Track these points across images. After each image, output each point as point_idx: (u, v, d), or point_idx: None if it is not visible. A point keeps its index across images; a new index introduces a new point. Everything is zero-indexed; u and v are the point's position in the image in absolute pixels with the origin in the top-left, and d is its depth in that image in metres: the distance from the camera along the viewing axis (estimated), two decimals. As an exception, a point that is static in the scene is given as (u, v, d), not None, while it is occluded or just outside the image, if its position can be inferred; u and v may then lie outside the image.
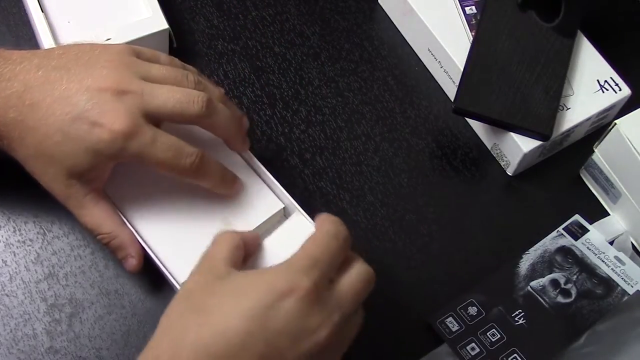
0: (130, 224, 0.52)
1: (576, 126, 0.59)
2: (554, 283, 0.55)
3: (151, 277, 0.55)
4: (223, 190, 0.52)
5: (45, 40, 0.58)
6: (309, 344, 0.41)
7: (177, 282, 0.50)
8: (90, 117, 0.46)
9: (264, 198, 0.53)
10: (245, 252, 0.47)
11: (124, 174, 0.52)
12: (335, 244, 0.44)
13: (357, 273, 0.45)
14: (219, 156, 0.53)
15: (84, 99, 0.47)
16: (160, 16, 0.60)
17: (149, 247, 0.51)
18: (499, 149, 0.60)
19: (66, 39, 0.59)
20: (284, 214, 0.54)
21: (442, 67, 0.62)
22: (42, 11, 0.60)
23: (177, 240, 0.52)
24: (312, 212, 0.58)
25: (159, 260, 0.51)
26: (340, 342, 0.44)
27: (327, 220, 0.46)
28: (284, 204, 0.53)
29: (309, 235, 0.46)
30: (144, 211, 0.53)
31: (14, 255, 0.56)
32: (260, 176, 0.54)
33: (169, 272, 0.50)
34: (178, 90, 0.48)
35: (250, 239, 0.48)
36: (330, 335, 0.41)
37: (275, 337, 0.40)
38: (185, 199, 0.53)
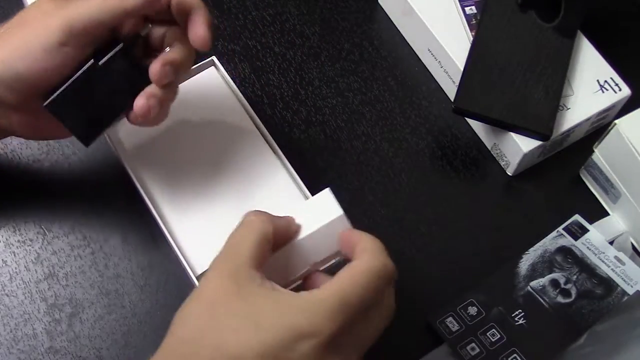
0: (155, 210, 0.53)
1: (576, 126, 0.59)
2: (554, 283, 0.55)
3: (151, 277, 0.55)
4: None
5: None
6: None
7: (193, 274, 0.50)
8: None
9: (290, 191, 0.54)
10: (276, 241, 0.43)
11: (155, 160, 0.55)
12: (375, 285, 0.40)
13: (386, 313, 0.41)
14: (247, 144, 0.55)
15: None
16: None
17: (171, 234, 0.52)
18: (499, 149, 0.60)
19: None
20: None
21: (442, 67, 0.62)
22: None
23: (200, 233, 0.52)
24: (312, 212, 0.58)
25: (178, 250, 0.52)
26: None
27: (372, 249, 0.41)
28: (306, 197, 0.54)
29: (334, 220, 0.43)
30: (171, 198, 0.54)
31: (14, 255, 0.56)
32: (286, 170, 0.55)
33: (187, 262, 0.51)
34: None
35: (282, 226, 0.44)
36: None
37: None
38: (215, 190, 0.54)
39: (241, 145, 0.56)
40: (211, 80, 0.58)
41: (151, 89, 0.48)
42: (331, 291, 0.39)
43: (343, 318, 0.39)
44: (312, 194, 0.59)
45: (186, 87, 0.57)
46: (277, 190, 0.54)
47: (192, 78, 0.58)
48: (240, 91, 0.63)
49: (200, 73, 0.58)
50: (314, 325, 0.38)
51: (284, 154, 0.60)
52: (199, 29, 0.47)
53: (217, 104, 0.57)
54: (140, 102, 0.48)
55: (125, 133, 0.56)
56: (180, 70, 0.49)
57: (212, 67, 0.59)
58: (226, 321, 0.39)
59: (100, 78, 0.47)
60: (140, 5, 0.46)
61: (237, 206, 0.53)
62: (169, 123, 0.54)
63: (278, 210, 0.47)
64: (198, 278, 0.50)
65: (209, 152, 0.56)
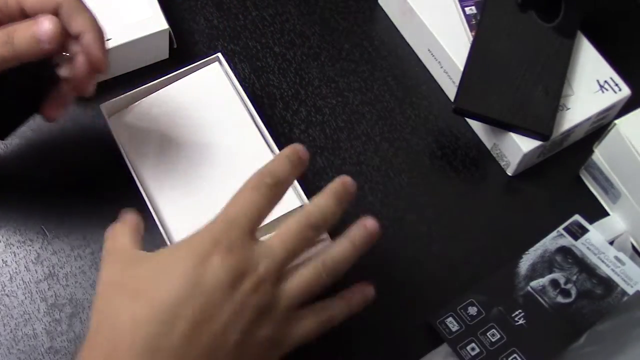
0: (149, 200, 0.54)
1: (576, 126, 0.59)
2: (554, 283, 0.55)
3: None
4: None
5: None
6: (240, 299, 0.41)
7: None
8: None
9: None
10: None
11: (153, 151, 0.55)
12: (257, 196, 0.43)
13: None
14: (246, 142, 0.55)
15: None
16: (160, 16, 0.60)
17: (164, 228, 0.53)
18: (499, 149, 0.60)
19: None
20: None
21: (442, 67, 0.62)
22: None
23: (192, 227, 0.52)
24: (312, 212, 0.58)
25: (167, 238, 0.52)
26: (278, 316, 0.43)
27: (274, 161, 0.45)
28: (302, 202, 0.53)
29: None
30: (166, 192, 0.54)
31: (14, 255, 0.56)
32: None
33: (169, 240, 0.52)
34: None
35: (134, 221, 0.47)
36: (258, 286, 0.41)
37: (207, 299, 0.40)
38: (211, 186, 0.54)
39: (240, 143, 0.56)
40: (214, 76, 0.59)
41: (57, 98, 0.51)
42: (218, 215, 0.43)
43: (235, 231, 0.42)
44: (312, 194, 0.59)
45: (188, 81, 0.58)
46: None
47: (195, 72, 0.58)
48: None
49: (204, 68, 0.59)
50: (212, 242, 0.41)
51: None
52: (94, 51, 0.48)
53: (219, 101, 0.58)
54: (48, 113, 0.51)
55: (125, 124, 0.56)
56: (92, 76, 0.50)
57: (217, 62, 0.59)
58: (133, 283, 0.42)
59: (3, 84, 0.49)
60: (33, 53, 0.46)
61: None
62: (170, 117, 0.55)
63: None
64: None
65: (208, 147, 0.56)
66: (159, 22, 0.60)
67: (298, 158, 0.45)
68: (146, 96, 0.57)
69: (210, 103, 0.57)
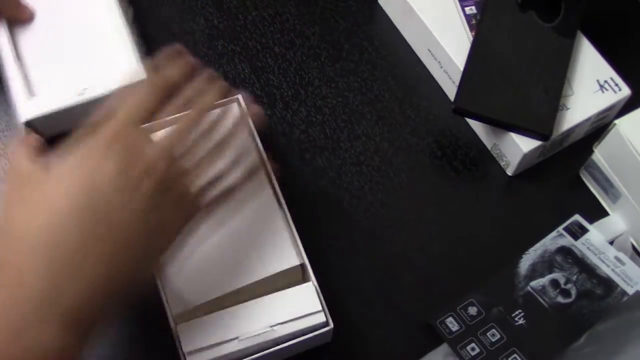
0: None
1: (576, 126, 0.59)
2: (554, 283, 0.55)
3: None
4: None
5: (17, 89, 0.57)
6: (134, 185, 0.41)
7: (170, 308, 0.50)
8: None
9: (284, 251, 0.51)
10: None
11: None
12: (139, 95, 0.44)
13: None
14: (255, 194, 0.52)
15: None
16: (139, 66, 0.58)
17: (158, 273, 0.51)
18: (499, 149, 0.60)
19: (40, 87, 0.58)
20: (302, 273, 0.52)
21: (442, 67, 0.62)
22: (18, 59, 0.58)
23: (184, 270, 0.51)
24: (312, 212, 0.58)
25: (161, 287, 0.50)
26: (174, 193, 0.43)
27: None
28: (301, 261, 0.51)
29: (311, 311, 0.48)
30: None
31: (14, 255, 0.56)
32: (288, 227, 0.52)
33: (165, 297, 0.50)
34: None
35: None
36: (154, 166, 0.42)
37: (103, 195, 0.41)
38: (207, 236, 0.51)
39: (248, 193, 0.52)
40: (232, 118, 0.54)
41: None
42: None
43: (119, 117, 0.43)
44: (312, 194, 0.59)
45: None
46: (273, 249, 0.51)
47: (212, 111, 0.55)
48: (241, 92, 0.63)
49: (222, 108, 0.55)
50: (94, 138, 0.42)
51: (284, 154, 0.60)
52: None
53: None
54: None
55: None
56: None
57: (235, 103, 0.55)
58: (28, 195, 0.42)
59: None
60: None
61: (227, 255, 0.51)
62: None
63: (269, 267, 0.50)
64: (174, 317, 0.49)
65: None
66: (138, 73, 0.57)
67: (178, 54, 0.47)
68: None
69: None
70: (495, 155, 0.61)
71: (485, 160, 0.61)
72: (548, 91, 0.58)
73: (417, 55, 0.65)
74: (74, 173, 0.42)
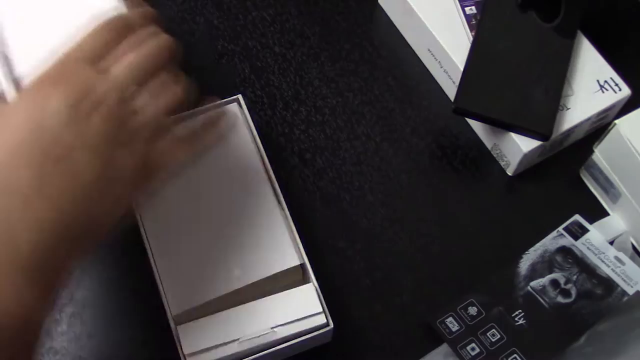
0: (149, 248, 0.51)
1: (576, 126, 0.59)
2: (554, 283, 0.55)
3: (151, 277, 0.55)
4: None
5: None
6: (83, 121, 0.39)
7: (170, 308, 0.50)
8: None
9: (284, 251, 0.51)
10: None
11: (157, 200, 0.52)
12: (92, 32, 0.42)
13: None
14: (254, 193, 0.52)
15: None
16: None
17: (157, 273, 0.51)
18: (499, 149, 0.60)
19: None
20: (302, 273, 0.52)
21: (442, 67, 0.62)
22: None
23: (184, 271, 0.51)
24: (312, 212, 0.58)
25: (162, 288, 0.50)
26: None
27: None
28: (301, 261, 0.51)
29: (312, 312, 0.48)
30: (164, 239, 0.52)
31: (14, 255, 0.56)
32: (288, 227, 0.52)
33: (165, 298, 0.50)
34: None
35: None
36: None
37: (52, 133, 0.38)
38: (207, 236, 0.51)
39: (248, 193, 0.53)
40: (232, 118, 0.56)
41: None
42: None
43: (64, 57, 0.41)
44: (312, 194, 0.59)
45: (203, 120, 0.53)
46: (273, 249, 0.51)
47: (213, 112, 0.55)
48: (240, 92, 0.63)
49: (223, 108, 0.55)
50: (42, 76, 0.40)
51: (284, 154, 0.60)
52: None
53: (232, 143, 0.55)
54: None
55: None
56: None
57: (236, 103, 0.56)
58: None
59: None
60: None
61: (227, 256, 0.51)
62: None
63: (269, 267, 0.50)
64: (174, 318, 0.49)
65: (213, 190, 0.53)
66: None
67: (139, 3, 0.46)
68: None
69: (222, 145, 0.54)
70: (495, 155, 0.61)
71: (485, 160, 0.61)
72: (548, 91, 0.58)
73: (417, 55, 0.65)
74: (19, 109, 0.39)
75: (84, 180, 0.39)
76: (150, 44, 0.43)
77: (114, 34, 0.43)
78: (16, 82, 0.46)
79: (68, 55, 0.42)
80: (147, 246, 0.51)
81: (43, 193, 0.37)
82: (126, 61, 0.42)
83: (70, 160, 0.38)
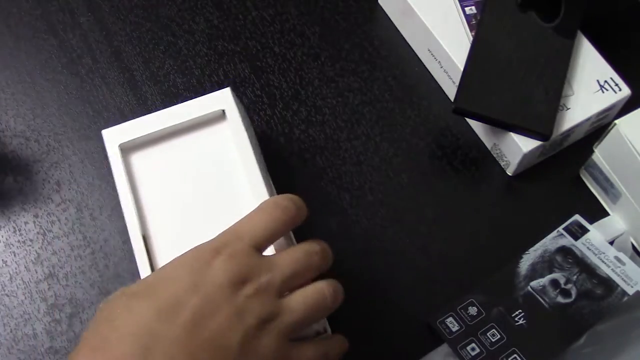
0: (141, 218, 0.51)
1: (576, 126, 0.59)
2: (554, 283, 0.55)
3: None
4: None
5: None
6: (240, 302, 0.40)
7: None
8: None
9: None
10: None
11: (151, 170, 0.52)
12: (266, 217, 0.44)
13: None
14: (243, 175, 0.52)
15: None
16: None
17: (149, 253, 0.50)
18: (499, 149, 0.60)
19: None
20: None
21: (442, 67, 0.62)
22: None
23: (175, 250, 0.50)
24: (312, 212, 0.58)
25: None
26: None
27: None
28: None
29: None
30: (160, 213, 0.51)
31: (14, 255, 0.56)
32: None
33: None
34: None
35: None
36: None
37: (207, 297, 0.40)
38: (202, 217, 0.51)
39: (240, 185, 0.52)
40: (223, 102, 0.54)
41: None
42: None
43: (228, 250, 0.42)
44: (312, 194, 0.59)
45: (194, 106, 0.53)
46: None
47: (202, 97, 0.54)
48: (240, 92, 0.63)
49: (213, 93, 0.54)
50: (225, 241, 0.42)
51: (284, 154, 0.60)
52: None
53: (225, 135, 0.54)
54: None
55: (128, 159, 0.53)
56: None
57: (228, 88, 0.54)
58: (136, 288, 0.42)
59: None
60: None
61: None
62: (173, 141, 0.53)
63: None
64: None
65: (203, 173, 0.52)
66: None
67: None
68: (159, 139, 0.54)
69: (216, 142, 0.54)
70: (495, 155, 0.61)
71: (485, 160, 0.61)
72: (548, 91, 0.58)
73: (417, 55, 0.65)
74: (182, 270, 0.41)
75: (229, 347, 0.40)
76: (315, 246, 0.45)
77: (282, 223, 0.44)
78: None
79: (238, 233, 0.43)
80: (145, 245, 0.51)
81: (190, 342, 0.39)
82: (290, 257, 0.43)
83: (219, 326, 0.40)
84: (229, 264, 0.41)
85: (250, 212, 0.44)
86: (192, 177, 0.52)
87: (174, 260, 0.43)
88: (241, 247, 0.42)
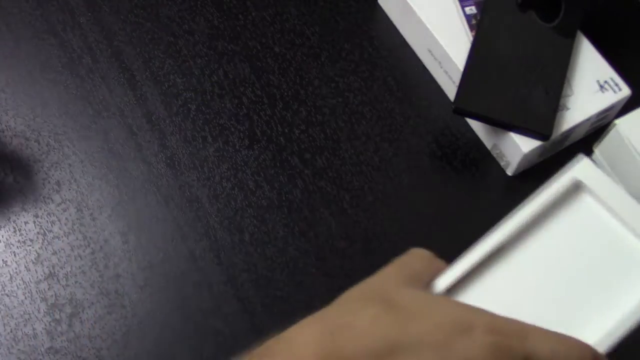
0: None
1: (576, 126, 0.59)
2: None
3: (151, 277, 0.55)
4: None
5: None
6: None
7: None
8: None
9: None
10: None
11: None
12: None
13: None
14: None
15: None
16: None
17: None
18: (499, 149, 0.60)
19: None
20: None
21: (442, 67, 0.62)
22: None
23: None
24: (312, 212, 0.58)
25: None
26: None
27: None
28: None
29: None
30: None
31: (14, 255, 0.56)
32: None
33: None
34: None
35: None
36: None
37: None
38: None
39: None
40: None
41: None
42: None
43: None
44: (312, 194, 0.59)
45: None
46: None
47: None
48: (240, 92, 0.63)
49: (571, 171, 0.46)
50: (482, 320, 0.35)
51: (284, 154, 0.60)
52: None
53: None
54: None
55: None
56: None
57: (585, 158, 0.46)
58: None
59: None
60: None
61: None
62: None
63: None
64: None
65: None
66: None
67: None
68: None
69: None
70: (495, 155, 0.61)
71: (485, 160, 0.61)
72: (548, 91, 0.58)
73: (417, 55, 0.65)
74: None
75: None
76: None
77: None
78: None
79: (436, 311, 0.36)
80: None
81: None
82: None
83: None
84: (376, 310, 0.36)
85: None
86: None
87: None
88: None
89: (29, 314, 0.54)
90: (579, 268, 0.42)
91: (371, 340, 0.34)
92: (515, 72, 0.58)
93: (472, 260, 0.42)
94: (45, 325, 0.54)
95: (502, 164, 0.61)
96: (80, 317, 0.54)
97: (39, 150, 0.60)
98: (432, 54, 0.63)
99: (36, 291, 0.55)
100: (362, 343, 0.34)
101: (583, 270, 0.42)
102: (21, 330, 0.53)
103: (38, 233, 0.57)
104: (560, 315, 0.40)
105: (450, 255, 0.58)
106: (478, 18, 0.62)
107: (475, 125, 0.62)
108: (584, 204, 0.45)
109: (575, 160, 0.45)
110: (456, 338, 0.35)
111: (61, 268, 0.55)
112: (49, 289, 0.55)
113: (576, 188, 0.46)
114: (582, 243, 0.43)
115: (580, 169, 0.46)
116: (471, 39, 0.61)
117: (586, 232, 0.43)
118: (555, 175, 0.46)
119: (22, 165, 0.59)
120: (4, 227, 0.57)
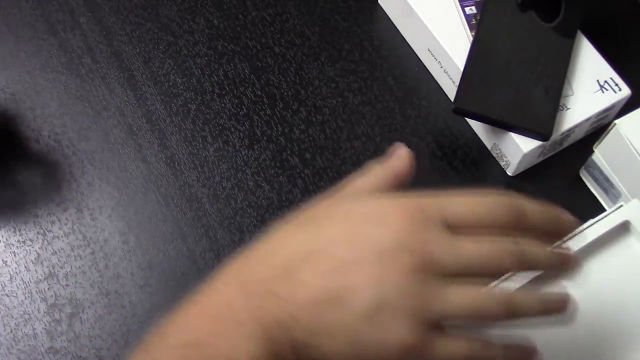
0: None
1: (576, 126, 0.59)
2: (554, 283, 0.55)
3: (151, 277, 0.55)
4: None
5: None
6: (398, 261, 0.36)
7: None
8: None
9: None
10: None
11: None
12: (499, 210, 0.39)
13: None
14: None
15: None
16: None
17: None
18: (499, 149, 0.60)
19: None
20: None
21: (442, 67, 0.62)
22: None
23: None
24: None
25: None
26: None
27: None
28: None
29: None
30: None
31: (14, 255, 0.56)
32: None
33: None
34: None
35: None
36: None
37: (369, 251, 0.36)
38: None
39: None
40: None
41: None
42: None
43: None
44: (312, 194, 0.59)
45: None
46: None
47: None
48: (240, 92, 0.63)
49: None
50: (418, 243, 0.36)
51: (284, 154, 0.60)
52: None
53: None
54: None
55: None
56: None
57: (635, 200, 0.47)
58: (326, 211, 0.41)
59: None
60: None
61: None
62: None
63: None
64: None
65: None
66: None
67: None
68: None
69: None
70: (495, 155, 0.61)
71: (485, 160, 0.61)
72: (548, 91, 0.58)
73: (417, 55, 0.65)
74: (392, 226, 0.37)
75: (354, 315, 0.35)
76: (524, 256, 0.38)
77: (503, 216, 0.39)
78: None
79: (441, 203, 0.37)
80: None
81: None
82: (483, 249, 0.37)
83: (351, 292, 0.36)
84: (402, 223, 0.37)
85: (485, 240, 0.38)
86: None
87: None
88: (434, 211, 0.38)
89: (29, 314, 0.54)
90: (619, 308, 0.42)
91: (290, 251, 0.39)
92: (515, 72, 0.58)
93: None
94: (45, 325, 0.54)
95: (502, 163, 0.61)
96: (80, 317, 0.54)
97: (40, 150, 0.60)
98: (432, 54, 0.63)
99: (36, 291, 0.55)
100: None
101: (624, 310, 0.42)
102: (21, 330, 0.53)
103: (38, 233, 0.57)
104: (598, 356, 0.39)
105: (450, 255, 0.58)
106: (478, 18, 0.61)
107: (475, 125, 0.62)
108: (631, 245, 0.46)
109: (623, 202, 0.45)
110: (366, 227, 0.37)
111: (61, 268, 0.55)
112: (48, 289, 0.55)
113: (624, 229, 0.46)
114: (626, 283, 0.43)
115: (629, 210, 0.45)
116: (471, 39, 0.61)
117: (631, 273, 0.43)
118: (603, 214, 0.46)
119: (22, 165, 0.59)
120: (4, 227, 0.57)
